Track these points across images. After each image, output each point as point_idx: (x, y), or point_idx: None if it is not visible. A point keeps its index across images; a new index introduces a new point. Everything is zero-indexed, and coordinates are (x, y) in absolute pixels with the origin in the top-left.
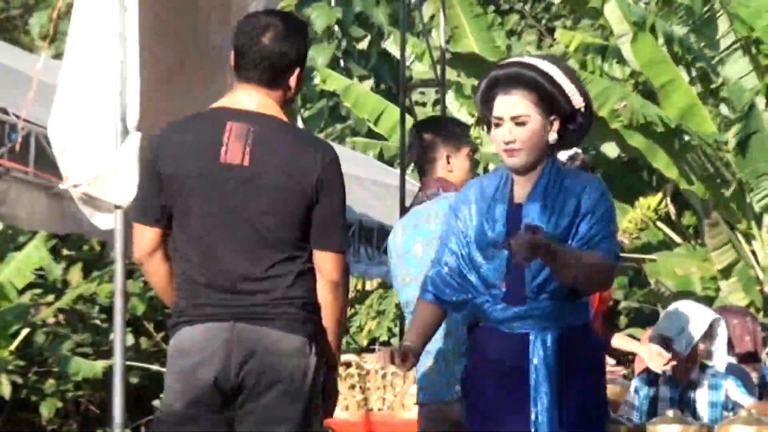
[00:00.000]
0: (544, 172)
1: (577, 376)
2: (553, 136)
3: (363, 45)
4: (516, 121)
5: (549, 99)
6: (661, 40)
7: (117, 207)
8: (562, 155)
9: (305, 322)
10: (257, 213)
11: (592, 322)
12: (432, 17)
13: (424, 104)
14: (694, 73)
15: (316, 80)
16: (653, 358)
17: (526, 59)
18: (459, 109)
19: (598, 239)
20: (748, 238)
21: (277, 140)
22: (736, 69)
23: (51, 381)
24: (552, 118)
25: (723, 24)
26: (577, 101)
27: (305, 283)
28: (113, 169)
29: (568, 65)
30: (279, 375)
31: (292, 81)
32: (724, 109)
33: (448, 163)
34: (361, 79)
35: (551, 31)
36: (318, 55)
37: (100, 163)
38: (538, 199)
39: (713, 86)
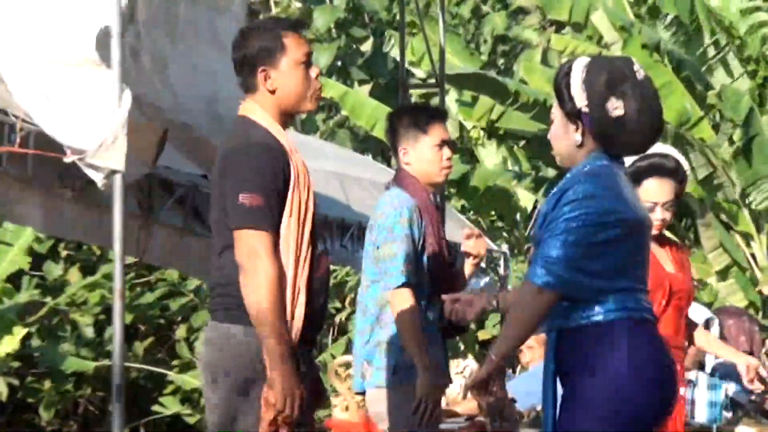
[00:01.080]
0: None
1: (573, 377)
2: (575, 138)
3: (366, 47)
4: (551, 119)
5: (560, 97)
6: (648, 48)
7: (115, 172)
8: (628, 161)
9: (241, 310)
10: (214, 207)
11: (625, 321)
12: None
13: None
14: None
15: None
16: (750, 371)
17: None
18: (457, 112)
19: (541, 241)
20: (748, 240)
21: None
22: (724, 75)
23: (49, 382)
24: (572, 118)
25: (709, 32)
26: (580, 101)
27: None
28: (113, 136)
29: (617, 67)
30: (206, 366)
31: (260, 80)
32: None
33: (404, 154)
34: (361, 82)
35: (554, 23)
36: (320, 56)
37: (101, 132)
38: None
39: (709, 92)
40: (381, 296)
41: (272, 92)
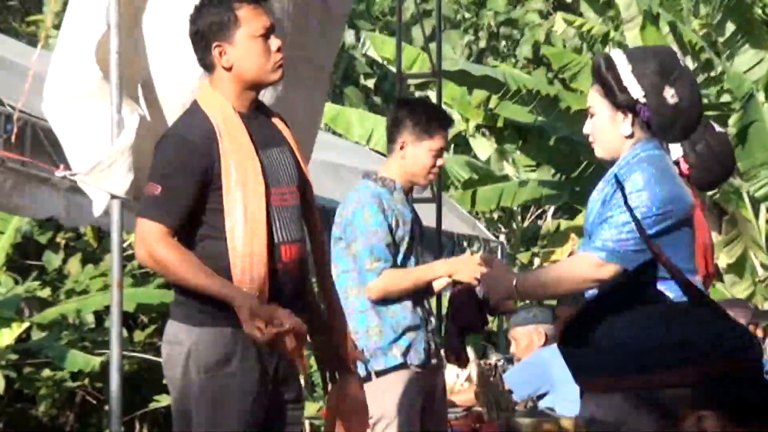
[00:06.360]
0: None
1: None
2: (624, 128)
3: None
4: (590, 112)
5: (609, 89)
6: (666, 29)
7: (114, 197)
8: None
9: (178, 306)
10: None
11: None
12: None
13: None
14: (698, 63)
15: None
16: None
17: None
18: (452, 110)
19: (595, 230)
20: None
21: None
22: (742, 60)
23: (47, 372)
24: (622, 109)
25: (729, 14)
26: (636, 92)
27: None
28: (111, 161)
29: (663, 56)
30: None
31: (215, 56)
32: (725, 97)
33: (401, 149)
34: (366, 76)
35: (562, 6)
36: None
37: (98, 154)
38: (594, 193)
39: (713, 74)
40: (346, 287)
41: (228, 69)
